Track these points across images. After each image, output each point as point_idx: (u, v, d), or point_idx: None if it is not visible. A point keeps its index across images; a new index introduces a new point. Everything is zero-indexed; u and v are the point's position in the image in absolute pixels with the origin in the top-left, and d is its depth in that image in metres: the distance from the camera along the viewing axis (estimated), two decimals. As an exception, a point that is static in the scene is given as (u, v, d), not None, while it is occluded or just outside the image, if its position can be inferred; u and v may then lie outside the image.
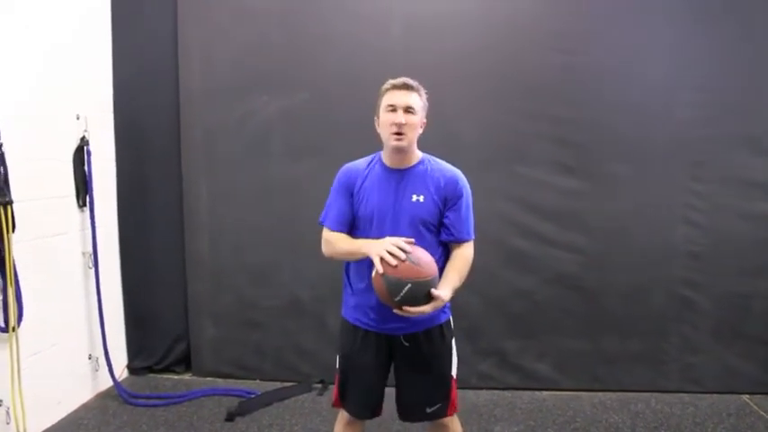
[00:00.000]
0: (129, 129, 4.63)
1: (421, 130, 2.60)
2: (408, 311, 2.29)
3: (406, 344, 2.61)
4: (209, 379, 4.68)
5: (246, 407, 4.14)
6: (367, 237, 2.55)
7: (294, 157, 4.46)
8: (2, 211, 3.36)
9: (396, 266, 2.30)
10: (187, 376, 4.77)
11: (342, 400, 2.78)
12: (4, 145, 3.38)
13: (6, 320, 3.46)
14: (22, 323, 3.56)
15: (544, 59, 4.28)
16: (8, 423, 3.48)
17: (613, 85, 4.27)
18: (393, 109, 2.51)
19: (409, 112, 2.51)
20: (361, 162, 2.70)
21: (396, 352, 2.66)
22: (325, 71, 4.38)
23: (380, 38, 4.36)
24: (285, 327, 4.60)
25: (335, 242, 2.61)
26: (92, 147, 4.20)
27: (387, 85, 2.57)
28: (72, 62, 4.11)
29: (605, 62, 4.27)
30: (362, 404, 2.74)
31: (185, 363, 4.84)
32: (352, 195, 2.62)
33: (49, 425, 3.88)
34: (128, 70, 4.59)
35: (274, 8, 4.44)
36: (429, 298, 2.32)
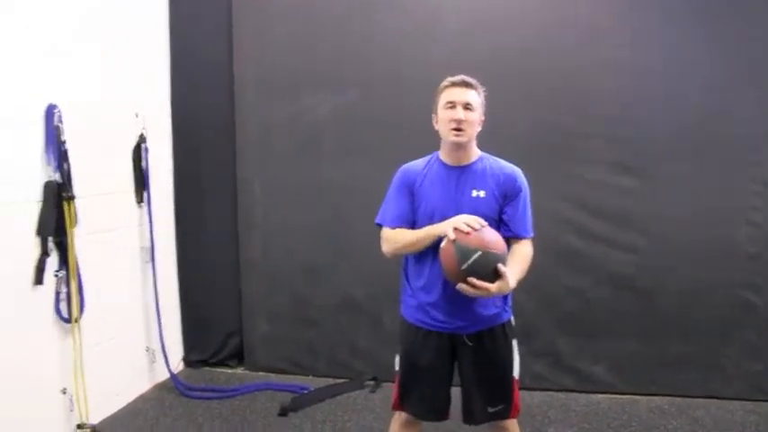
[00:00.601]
0: (186, 127, 4.72)
1: (479, 128, 2.60)
2: (473, 284, 2.28)
3: (470, 343, 2.59)
4: (261, 374, 4.73)
5: (299, 402, 4.17)
6: None
7: (347, 156, 4.47)
8: (66, 207, 3.47)
9: (468, 233, 2.31)
10: (240, 370, 4.84)
11: (402, 402, 2.75)
12: (67, 142, 3.48)
13: (70, 311, 3.56)
14: (84, 314, 3.66)
15: (600, 56, 4.20)
16: (71, 411, 3.58)
17: (671, 83, 4.15)
18: (452, 105, 2.52)
19: (468, 108, 2.52)
20: (419, 162, 2.70)
21: (459, 352, 2.64)
22: (379, 69, 4.39)
23: (433, 34, 4.33)
24: (338, 324, 4.61)
25: (397, 236, 2.61)
26: (149, 144, 4.30)
27: (445, 83, 2.59)
28: (131, 62, 4.21)
29: (663, 60, 4.15)
30: (426, 406, 2.72)
31: (238, 357, 4.91)
32: (412, 194, 2.63)
33: (108, 414, 3.97)
34: (184, 69, 4.68)
35: (327, 6, 4.47)
36: (495, 276, 2.31)
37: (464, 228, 2.32)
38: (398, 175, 2.71)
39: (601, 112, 4.23)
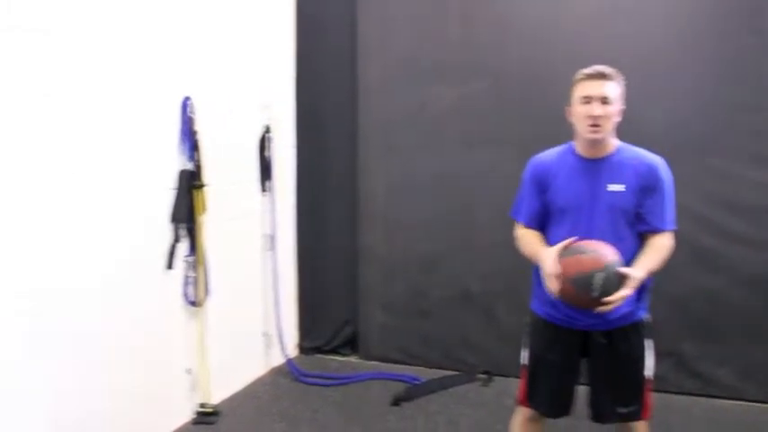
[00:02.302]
0: (309, 118, 4.82)
1: (619, 118, 2.48)
2: (610, 302, 2.23)
3: (603, 341, 2.52)
4: (374, 363, 4.78)
5: (412, 393, 4.19)
6: (562, 229, 2.50)
7: (470, 148, 4.43)
8: (196, 194, 3.62)
9: (576, 262, 2.25)
10: (353, 359, 4.91)
11: (529, 398, 2.71)
12: (199, 132, 3.63)
13: (196, 295, 3.71)
14: (208, 299, 3.80)
15: (741, 42, 3.94)
16: (194, 391, 3.75)
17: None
18: (588, 101, 2.41)
19: (606, 103, 2.40)
20: (552, 153, 2.63)
21: (590, 349, 2.57)
22: (503, 59, 4.31)
23: (564, 21, 4.21)
24: (453, 317, 4.59)
25: (522, 240, 2.61)
26: (274, 135, 4.42)
27: (580, 75, 2.47)
28: (257, 55, 4.32)
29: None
30: (552, 402, 2.68)
31: (351, 346, 4.97)
32: (543, 190, 2.57)
33: (227, 395, 4.11)
34: (309, 61, 4.77)
35: (451, -4, 4.44)
36: (622, 282, 2.25)
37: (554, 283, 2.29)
38: (529, 168, 2.65)
39: (742, 101, 3.97)
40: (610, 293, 2.22)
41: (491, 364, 4.43)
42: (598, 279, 2.20)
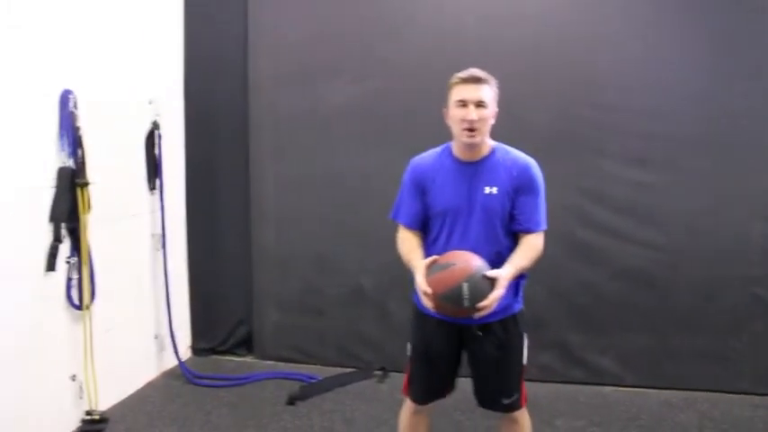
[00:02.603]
0: (199, 114, 4.72)
1: (493, 121, 2.53)
2: (485, 306, 2.27)
3: (480, 333, 2.58)
4: (269, 362, 4.74)
5: (307, 391, 4.18)
6: (441, 232, 2.55)
7: (361, 146, 4.47)
8: (79, 193, 3.47)
9: (442, 279, 2.29)
10: (248, 359, 4.85)
11: (409, 388, 2.77)
12: (81, 128, 3.48)
13: (81, 298, 3.56)
14: (95, 301, 3.66)
15: (619, 49, 4.18)
16: (81, 398, 3.60)
17: (689, 77, 4.13)
18: (464, 104, 2.44)
19: (481, 106, 2.44)
20: (430, 155, 2.66)
21: (469, 342, 2.63)
22: (397, 59, 4.36)
23: (454, 26, 4.30)
24: (348, 314, 4.62)
25: (401, 245, 2.65)
26: (162, 131, 4.30)
27: (455, 79, 2.50)
28: (145, 48, 4.21)
29: (682, 54, 4.13)
30: (427, 390, 2.74)
31: (247, 346, 4.92)
32: (423, 192, 2.60)
33: (117, 401, 3.98)
34: (198, 56, 4.68)
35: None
36: (492, 285, 2.29)
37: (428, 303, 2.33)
38: (409, 171, 2.68)
39: (619, 104, 4.21)
40: (481, 299, 2.26)
41: (386, 360, 4.48)
42: (466, 289, 2.24)
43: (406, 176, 2.68)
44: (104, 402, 3.78)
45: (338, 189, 4.54)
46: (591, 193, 4.29)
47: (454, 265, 2.32)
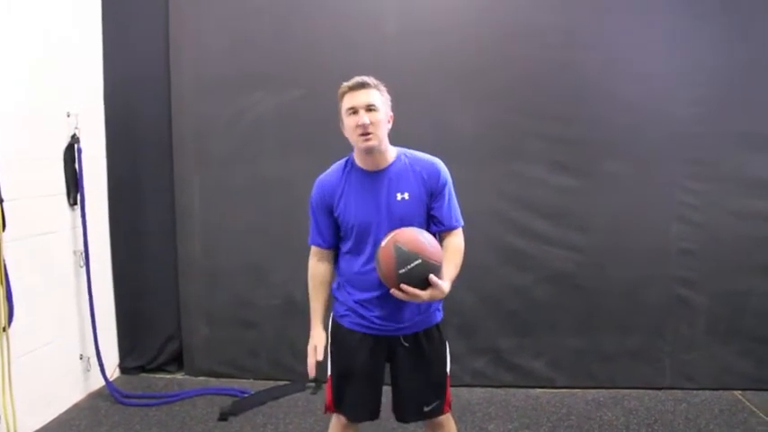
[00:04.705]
0: (121, 126, 4.60)
1: (389, 125, 2.54)
2: (406, 291, 2.26)
3: (406, 344, 2.59)
4: (201, 378, 4.66)
5: (240, 406, 4.12)
6: (356, 245, 2.55)
7: (288, 155, 4.43)
8: (-8, 210, 3.33)
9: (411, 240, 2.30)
10: (179, 375, 4.75)
11: (337, 406, 2.72)
12: (-6, 143, 3.36)
13: (-3, 320, 3.43)
14: (13, 323, 3.52)
15: (540, 56, 4.26)
16: (-2, 424, 3.46)
17: (610, 83, 4.25)
18: (354, 111, 2.44)
19: (371, 110, 2.43)
20: (334, 170, 2.63)
21: (394, 353, 2.63)
22: (319, 68, 4.32)
23: (374, 35, 4.32)
24: (280, 326, 4.56)
25: (309, 278, 2.82)
26: (82, 144, 4.17)
27: (343, 88, 2.50)
28: (62, 59, 4.08)
29: (602, 59, 4.24)
30: (361, 408, 2.70)
31: (177, 362, 4.81)
32: (331, 211, 2.59)
33: (39, 425, 3.84)
34: (119, 67, 4.56)
35: (267, 4, 4.42)
36: (427, 284, 2.29)
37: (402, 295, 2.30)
38: (314, 192, 2.65)
39: (541, 110, 4.29)
40: (410, 283, 2.26)
41: (320, 371, 4.40)
42: (415, 263, 2.25)
43: (312, 198, 2.66)
44: (27, 427, 3.66)
45: (264, 199, 4.49)
46: (516, 198, 4.35)
47: (430, 248, 2.32)
